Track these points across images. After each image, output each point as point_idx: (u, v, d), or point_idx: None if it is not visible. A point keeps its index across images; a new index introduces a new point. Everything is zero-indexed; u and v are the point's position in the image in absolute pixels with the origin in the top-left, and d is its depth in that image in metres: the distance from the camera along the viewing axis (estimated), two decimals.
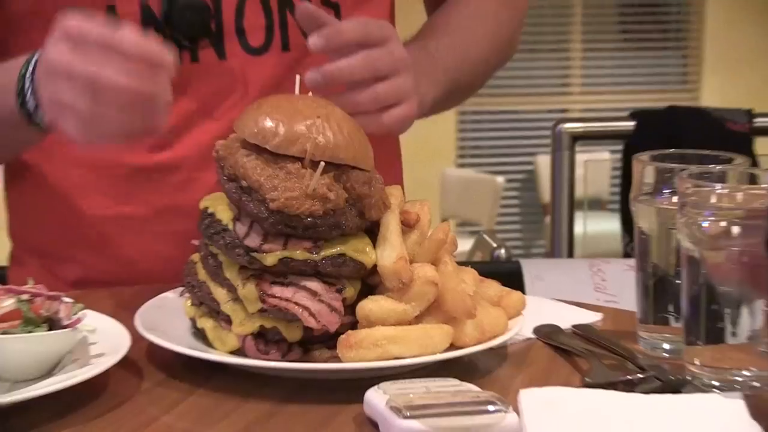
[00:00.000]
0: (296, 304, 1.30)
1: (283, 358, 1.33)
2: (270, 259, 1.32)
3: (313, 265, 1.32)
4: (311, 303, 1.30)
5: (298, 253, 1.32)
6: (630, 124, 4.22)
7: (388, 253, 1.34)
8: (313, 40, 1.54)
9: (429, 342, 1.32)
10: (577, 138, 4.31)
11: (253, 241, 1.33)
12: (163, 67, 1.36)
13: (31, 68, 1.51)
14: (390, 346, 1.29)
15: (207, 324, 1.39)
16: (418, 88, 1.64)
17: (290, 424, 1.23)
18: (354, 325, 1.33)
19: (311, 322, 1.30)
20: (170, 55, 1.37)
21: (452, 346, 1.35)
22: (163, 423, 1.23)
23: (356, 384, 1.24)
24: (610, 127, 4.80)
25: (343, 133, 1.35)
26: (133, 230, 1.70)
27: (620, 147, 4.44)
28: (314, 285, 1.32)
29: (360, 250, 1.35)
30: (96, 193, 1.75)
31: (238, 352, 1.35)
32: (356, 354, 1.29)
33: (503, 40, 1.95)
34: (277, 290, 1.31)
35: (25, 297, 1.29)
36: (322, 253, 1.32)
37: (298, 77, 1.49)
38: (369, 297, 1.34)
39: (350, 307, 1.34)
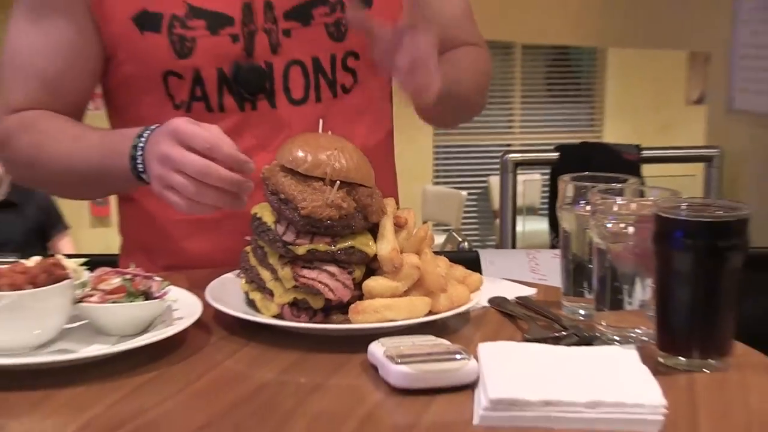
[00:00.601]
0: (319, 282, 1.35)
1: (310, 321, 1.37)
2: (301, 250, 1.36)
3: (331, 254, 1.36)
4: (330, 281, 1.35)
5: (321, 246, 1.36)
6: (555, 155, 4.35)
7: (385, 245, 1.38)
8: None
9: (414, 309, 1.36)
10: (517, 164, 4.42)
11: (288, 237, 1.37)
12: (247, 167, 1.42)
13: (142, 143, 1.53)
14: (386, 312, 1.34)
15: (256, 296, 1.43)
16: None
17: (315, 367, 1.27)
18: (360, 297, 1.37)
19: (330, 295, 1.35)
20: (250, 162, 1.43)
21: (430, 312, 1.38)
22: (225, 366, 1.27)
23: (362, 339, 1.28)
24: (540, 157, 4.98)
25: (353, 160, 1.40)
26: (206, 230, 1.72)
27: (548, 171, 4.50)
28: (332, 268, 1.36)
29: (365, 244, 1.38)
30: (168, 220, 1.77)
31: (278, 316, 1.38)
32: (362, 318, 1.34)
33: (480, 83, 1.92)
34: (305, 272, 1.36)
35: (128, 277, 1.34)
36: (338, 246, 1.36)
37: (321, 121, 1.52)
38: (371, 277, 1.38)
39: (358, 285, 1.37)
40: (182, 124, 1.44)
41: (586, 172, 1.53)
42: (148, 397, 1.17)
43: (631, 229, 1.33)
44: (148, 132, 1.54)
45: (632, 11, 6.27)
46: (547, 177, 5.20)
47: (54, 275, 1.28)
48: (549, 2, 7.42)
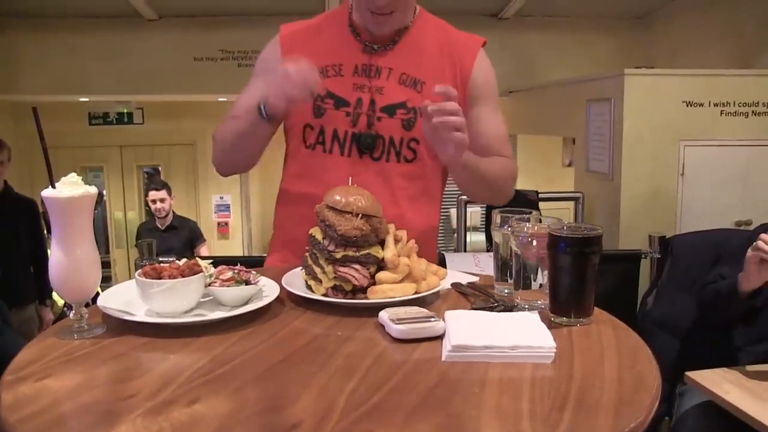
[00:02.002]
0: (349, 274, 1.34)
1: (344, 298, 1.35)
2: (338, 255, 1.35)
3: (356, 258, 1.35)
4: (355, 274, 1.35)
5: (350, 253, 1.35)
6: None
7: (388, 252, 1.37)
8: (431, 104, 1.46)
9: (406, 290, 1.35)
10: (466, 202, 4.44)
11: (330, 247, 1.36)
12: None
13: (263, 104, 1.61)
14: (390, 293, 1.34)
15: (311, 283, 1.41)
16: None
17: (347, 326, 1.25)
18: (374, 284, 1.36)
19: (355, 282, 1.34)
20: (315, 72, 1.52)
21: (416, 293, 1.36)
22: (293, 325, 1.26)
23: (375, 309, 1.27)
24: None
25: (369, 201, 1.38)
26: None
27: (484, 206, 4.54)
28: (357, 266, 1.35)
29: (377, 251, 1.37)
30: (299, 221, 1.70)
31: (324, 295, 1.36)
32: (374, 296, 1.34)
33: (505, 178, 1.76)
34: (341, 268, 1.35)
35: (236, 271, 1.35)
36: (360, 253, 1.35)
37: (350, 178, 1.49)
38: (381, 272, 1.36)
39: (372, 276, 1.36)
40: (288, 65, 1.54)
41: (506, 207, 1.50)
42: (248, 344, 1.17)
43: (534, 242, 1.32)
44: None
45: (531, 113, 6.30)
46: (484, 208, 5.23)
47: (194, 270, 1.29)
48: None
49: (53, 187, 1.21)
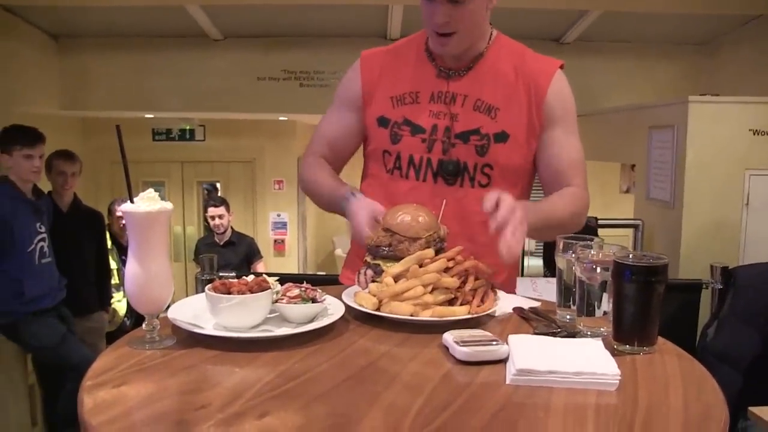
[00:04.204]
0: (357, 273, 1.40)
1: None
2: (366, 258, 1.53)
3: (368, 264, 1.53)
4: (360, 276, 1.53)
5: (368, 259, 1.54)
6: None
7: (394, 269, 1.45)
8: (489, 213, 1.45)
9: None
10: None
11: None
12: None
13: (345, 201, 1.69)
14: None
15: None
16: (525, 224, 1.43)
17: (410, 346, 1.26)
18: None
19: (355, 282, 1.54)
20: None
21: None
22: (359, 344, 1.28)
23: (439, 328, 1.28)
24: None
25: (400, 220, 1.51)
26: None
27: None
28: (369, 272, 1.51)
29: (386, 265, 1.48)
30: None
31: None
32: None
33: (574, 215, 1.73)
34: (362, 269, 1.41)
35: (303, 289, 1.36)
36: (373, 262, 1.51)
37: (444, 201, 1.63)
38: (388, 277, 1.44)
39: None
40: (363, 234, 1.58)
41: (571, 234, 1.50)
42: (313, 361, 1.18)
43: (599, 269, 1.32)
44: (350, 196, 1.70)
45: (589, 139, 6.24)
46: None
47: (262, 286, 1.31)
48: None
49: (132, 201, 1.25)
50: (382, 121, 1.82)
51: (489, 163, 1.75)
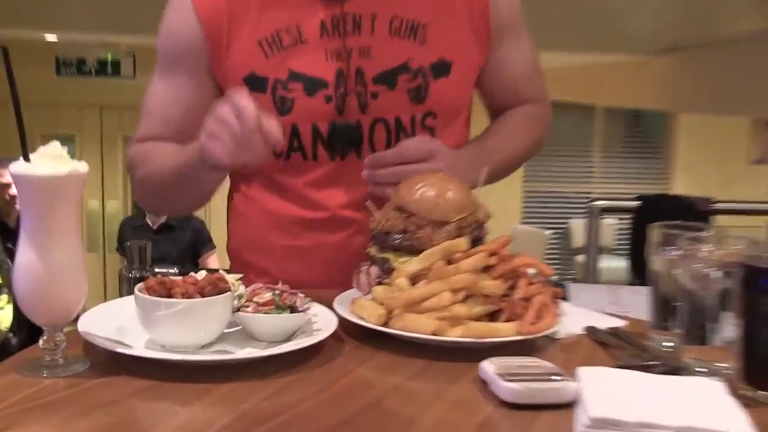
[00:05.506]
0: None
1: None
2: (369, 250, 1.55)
3: (373, 258, 1.53)
4: (363, 277, 1.54)
5: (372, 251, 1.55)
6: (635, 203, 4.32)
7: (411, 266, 1.44)
8: (363, 173, 1.68)
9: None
10: (603, 210, 4.42)
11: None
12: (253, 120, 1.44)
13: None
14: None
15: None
16: (472, 173, 1.63)
17: (433, 378, 1.27)
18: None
19: (356, 286, 1.55)
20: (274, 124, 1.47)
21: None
22: (358, 373, 1.28)
23: (474, 354, 1.28)
24: (623, 205, 4.93)
25: (421, 196, 1.52)
26: (299, 255, 1.82)
27: (624, 216, 4.52)
28: (373, 269, 1.53)
29: (396, 261, 1.49)
30: (281, 233, 1.84)
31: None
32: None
33: (533, 141, 1.95)
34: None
35: (277, 292, 1.37)
36: (379, 255, 1.52)
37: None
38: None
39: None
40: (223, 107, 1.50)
41: (667, 221, 1.48)
42: (291, 397, 1.18)
43: (718, 274, 1.30)
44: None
45: (703, 82, 6.20)
46: (620, 222, 5.18)
47: (218, 287, 1.31)
48: (628, 72, 7.37)
49: (27, 160, 1.23)
50: (255, 82, 1.77)
51: (431, 110, 1.79)
